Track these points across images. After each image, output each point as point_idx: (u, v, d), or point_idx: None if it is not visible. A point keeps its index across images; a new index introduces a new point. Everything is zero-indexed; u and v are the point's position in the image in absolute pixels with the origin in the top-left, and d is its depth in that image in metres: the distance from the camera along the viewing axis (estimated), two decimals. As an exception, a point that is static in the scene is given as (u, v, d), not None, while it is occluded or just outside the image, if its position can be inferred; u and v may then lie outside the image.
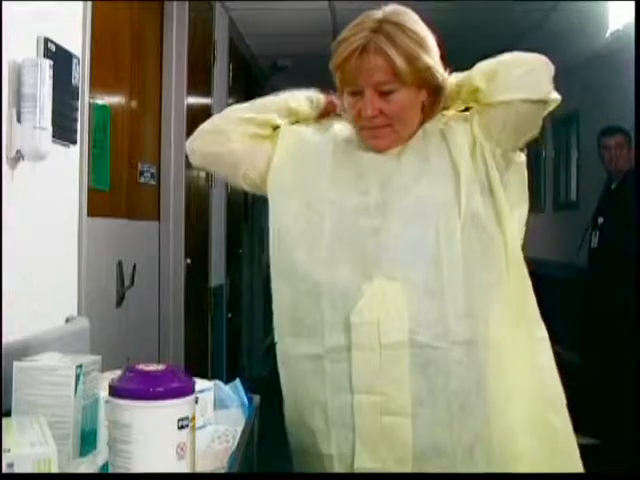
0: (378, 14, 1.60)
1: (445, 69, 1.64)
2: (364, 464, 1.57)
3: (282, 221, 1.67)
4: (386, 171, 1.62)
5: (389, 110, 1.58)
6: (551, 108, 1.60)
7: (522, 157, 1.67)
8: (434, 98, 1.64)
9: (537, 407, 1.60)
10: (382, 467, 1.56)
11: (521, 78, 1.57)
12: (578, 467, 1.65)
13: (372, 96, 1.57)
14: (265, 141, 1.71)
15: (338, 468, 1.59)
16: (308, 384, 1.63)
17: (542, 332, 1.63)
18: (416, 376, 1.54)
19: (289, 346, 1.66)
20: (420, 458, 1.55)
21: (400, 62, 1.55)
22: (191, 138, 1.76)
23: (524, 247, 1.64)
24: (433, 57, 1.60)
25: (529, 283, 1.63)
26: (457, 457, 1.55)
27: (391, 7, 1.63)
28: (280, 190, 1.68)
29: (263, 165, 1.70)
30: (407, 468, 1.55)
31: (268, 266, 1.76)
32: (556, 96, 1.59)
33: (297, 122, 1.75)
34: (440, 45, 1.63)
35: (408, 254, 1.57)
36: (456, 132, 1.63)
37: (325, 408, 1.60)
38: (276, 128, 1.73)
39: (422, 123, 1.65)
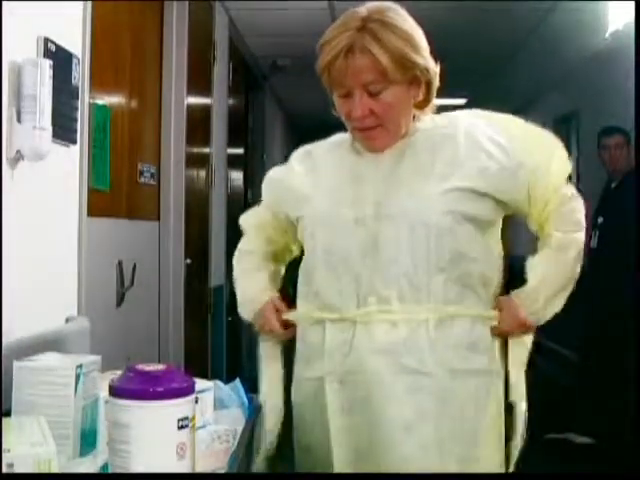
0: (362, 12, 1.56)
1: (436, 63, 1.62)
2: None
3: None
4: (381, 186, 1.60)
5: (379, 110, 1.56)
6: None
7: None
8: (426, 93, 1.62)
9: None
10: None
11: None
12: None
13: (361, 96, 1.55)
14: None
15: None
16: (313, 407, 1.66)
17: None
18: (406, 400, 1.55)
19: (300, 370, 1.71)
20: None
21: (386, 60, 1.52)
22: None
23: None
24: (421, 53, 1.57)
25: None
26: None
27: (375, 4, 1.59)
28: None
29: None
30: None
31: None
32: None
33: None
34: (429, 40, 1.60)
35: (400, 283, 1.55)
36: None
37: (325, 428, 1.62)
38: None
39: (415, 117, 1.64)
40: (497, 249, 1.67)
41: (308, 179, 1.70)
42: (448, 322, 1.57)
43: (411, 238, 1.55)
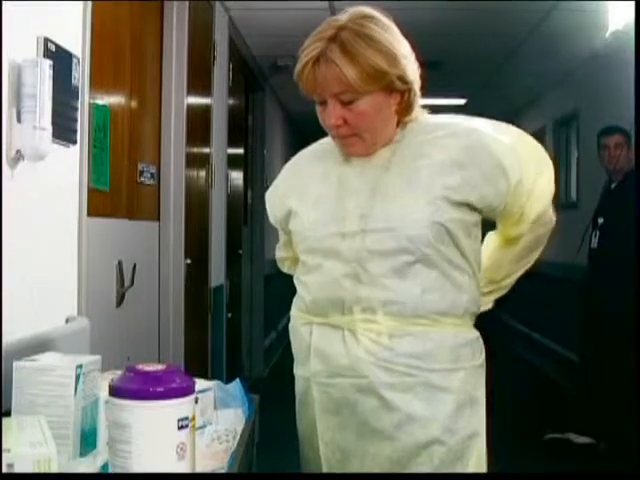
0: (339, 21, 1.55)
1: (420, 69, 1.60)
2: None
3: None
4: (367, 199, 1.58)
5: (353, 119, 1.54)
6: None
7: None
8: (406, 102, 1.59)
9: None
10: None
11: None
12: None
13: (334, 106, 1.54)
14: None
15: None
16: (303, 403, 1.68)
17: None
18: (393, 403, 1.55)
19: (294, 366, 1.72)
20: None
21: (353, 72, 1.49)
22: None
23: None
24: (397, 63, 1.53)
25: None
26: None
27: (356, 10, 1.57)
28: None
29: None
30: None
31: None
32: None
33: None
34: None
35: (385, 296, 1.55)
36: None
37: (313, 425, 1.64)
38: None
39: (400, 123, 1.62)
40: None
41: (295, 193, 1.69)
42: (434, 331, 1.56)
43: (396, 252, 1.54)
